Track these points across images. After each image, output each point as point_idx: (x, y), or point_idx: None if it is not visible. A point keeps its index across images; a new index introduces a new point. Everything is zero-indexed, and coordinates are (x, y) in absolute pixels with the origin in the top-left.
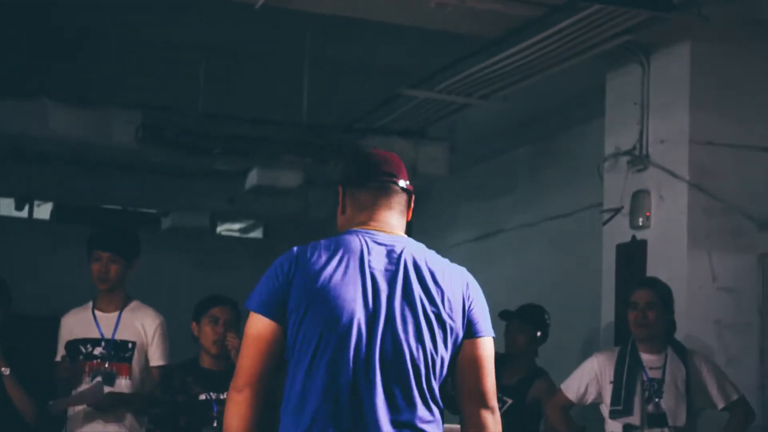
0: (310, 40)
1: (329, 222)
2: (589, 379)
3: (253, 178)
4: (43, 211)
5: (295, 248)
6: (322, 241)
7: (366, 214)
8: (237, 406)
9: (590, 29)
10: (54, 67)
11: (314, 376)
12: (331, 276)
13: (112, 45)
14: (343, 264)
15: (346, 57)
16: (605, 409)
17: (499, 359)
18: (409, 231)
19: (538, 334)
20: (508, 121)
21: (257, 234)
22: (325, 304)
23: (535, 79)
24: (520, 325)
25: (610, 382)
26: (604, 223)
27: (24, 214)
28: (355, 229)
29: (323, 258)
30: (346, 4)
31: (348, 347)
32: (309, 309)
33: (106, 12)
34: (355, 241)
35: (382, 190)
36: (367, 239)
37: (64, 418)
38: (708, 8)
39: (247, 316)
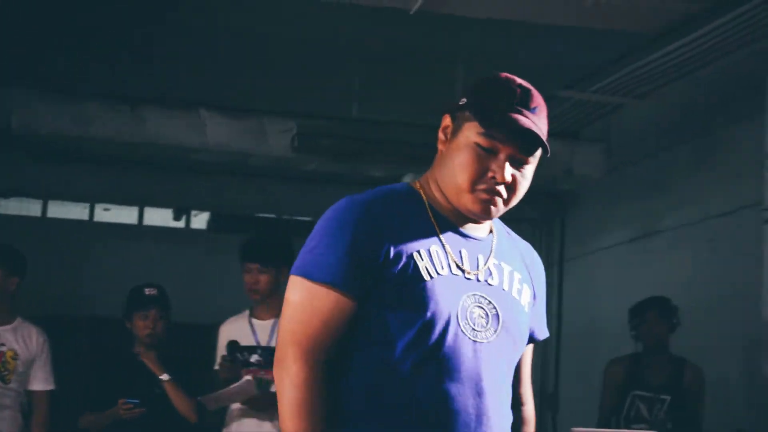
0: (463, 42)
1: None
2: None
3: None
4: (200, 220)
5: None
6: None
7: None
8: None
9: (752, 23)
10: (209, 77)
11: None
12: None
13: (266, 52)
14: None
15: (499, 59)
16: None
17: (636, 359)
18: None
19: (674, 320)
20: (664, 120)
21: None
22: None
23: (693, 76)
24: (659, 316)
25: None
26: (767, 222)
27: (181, 224)
28: None
29: None
30: (499, 6)
31: None
32: None
33: (258, 18)
34: None
35: None
36: None
37: (224, 418)
38: None
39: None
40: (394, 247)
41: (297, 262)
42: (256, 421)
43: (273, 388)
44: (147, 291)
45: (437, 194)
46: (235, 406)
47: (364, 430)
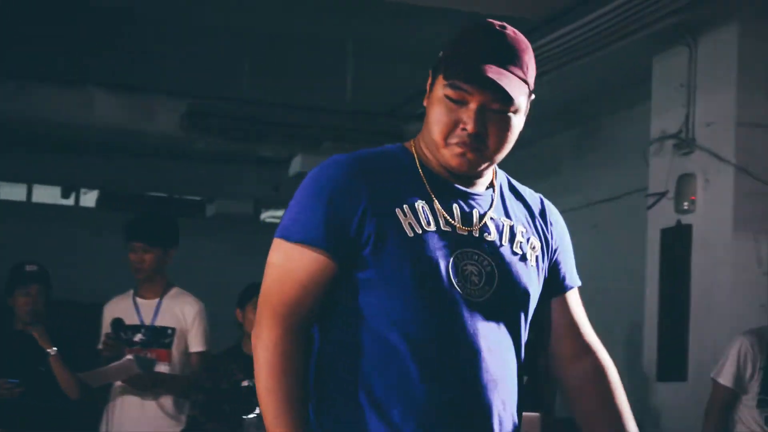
0: (353, 25)
1: None
2: (743, 361)
3: (296, 165)
4: (89, 198)
5: None
6: None
7: None
8: None
9: (637, 11)
10: (98, 54)
11: None
12: None
13: (155, 31)
14: None
15: (390, 42)
16: (750, 398)
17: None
18: None
19: None
20: (552, 105)
21: None
22: None
23: (579, 62)
24: None
25: (761, 368)
26: (649, 207)
27: (70, 201)
28: None
29: None
30: None
31: None
32: None
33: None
34: None
35: None
36: None
37: (107, 396)
38: None
39: None
40: (375, 205)
41: (279, 224)
42: (139, 400)
43: (156, 368)
44: (28, 267)
45: (427, 151)
46: (118, 383)
47: (346, 401)
